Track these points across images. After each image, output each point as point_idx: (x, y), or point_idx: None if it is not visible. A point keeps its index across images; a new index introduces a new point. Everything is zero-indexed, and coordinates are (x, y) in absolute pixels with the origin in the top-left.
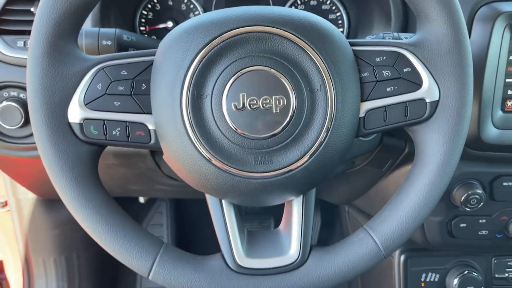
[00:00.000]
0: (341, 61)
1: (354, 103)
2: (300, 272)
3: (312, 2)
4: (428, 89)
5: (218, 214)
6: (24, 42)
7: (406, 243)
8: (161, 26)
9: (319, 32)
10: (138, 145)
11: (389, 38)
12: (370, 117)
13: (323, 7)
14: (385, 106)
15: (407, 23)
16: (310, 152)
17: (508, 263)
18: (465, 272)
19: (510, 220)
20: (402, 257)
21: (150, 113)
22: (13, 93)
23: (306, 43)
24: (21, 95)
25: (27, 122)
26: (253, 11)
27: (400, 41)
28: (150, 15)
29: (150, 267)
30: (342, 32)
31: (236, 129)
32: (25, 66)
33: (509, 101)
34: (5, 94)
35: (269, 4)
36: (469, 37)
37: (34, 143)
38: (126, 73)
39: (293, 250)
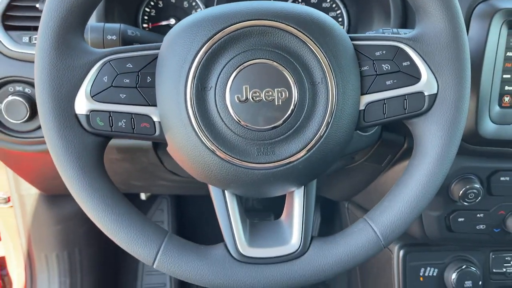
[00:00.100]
0: (342, 55)
1: (354, 96)
2: (301, 261)
3: (312, 0)
4: (426, 83)
5: (221, 204)
6: (30, 38)
7: (405, 238)
8: (164, 23)
9: (320, 26)
10: (143, 137)
11: (388, 34)
12: (370, 109)
13: (324, 4)
14: (384, 99)
15: (406, 20)
16: (311, 143)
17: (506, 258)
18: (463, 267)
19: (508, 214)
20: (401, 252)
21: (155, 105)
22: (19, 87)
23: (308, 37)
24: (26, 90)
25: (32, 116)
26: (256, 6)
27: (399, 35)
28: (153, 12)
29: (155, 255)
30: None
31: (239, 121)
32: (30, 61)
33: (506, 96)
34: (11, 88)
35: None
36: (467, 33)
37: (39, 137)
38: (131, 66)
39: (295, 240)
